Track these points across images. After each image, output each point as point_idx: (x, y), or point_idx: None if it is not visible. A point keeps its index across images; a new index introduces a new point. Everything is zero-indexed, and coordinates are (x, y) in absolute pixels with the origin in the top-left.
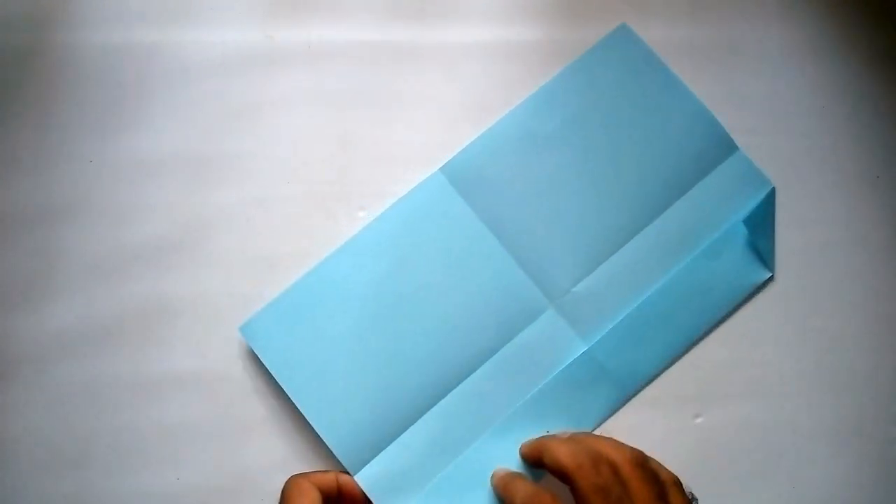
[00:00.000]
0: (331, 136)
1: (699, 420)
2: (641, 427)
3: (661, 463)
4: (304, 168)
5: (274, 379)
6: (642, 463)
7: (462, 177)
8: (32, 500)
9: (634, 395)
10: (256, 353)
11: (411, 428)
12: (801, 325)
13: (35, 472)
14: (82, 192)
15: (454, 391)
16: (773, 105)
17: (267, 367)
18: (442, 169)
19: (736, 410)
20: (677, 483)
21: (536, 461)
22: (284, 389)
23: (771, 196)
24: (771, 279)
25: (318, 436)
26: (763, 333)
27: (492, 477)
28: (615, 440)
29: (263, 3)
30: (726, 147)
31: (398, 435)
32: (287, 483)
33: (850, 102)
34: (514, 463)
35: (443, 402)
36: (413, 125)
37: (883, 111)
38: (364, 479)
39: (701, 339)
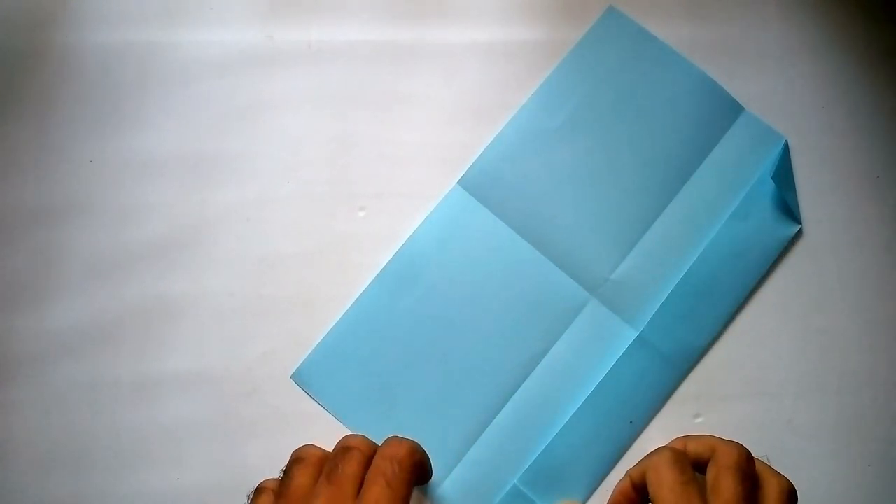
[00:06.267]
0: (331, 136)
1: (699, 420)
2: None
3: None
4: (304, 168)
5: (273, 380)
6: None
7: (481, 186)
8: (32, 500)
9: (690, 371)
10: (313, 397)
11: (476, 443)
12: (802, 325)
13: (35, 472)
14: (82, 192)
15: (512, 400)
16: (774, 105)
17: (327, 409)
18: (460, 182)
19: (736, 410)
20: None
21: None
22: (347, 428)
23: (786, 149)
24: (800, 232)
25: None
26: (763, 333)
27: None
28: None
29: (263, 3)
30: (733, 110)
31: (465, 452)
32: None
33: (850, 102)
34: (583, 462)
35: (503, 412)
36: (413, 125)
37: (883, 111)
38: (439, 502)
39: (745, 303)
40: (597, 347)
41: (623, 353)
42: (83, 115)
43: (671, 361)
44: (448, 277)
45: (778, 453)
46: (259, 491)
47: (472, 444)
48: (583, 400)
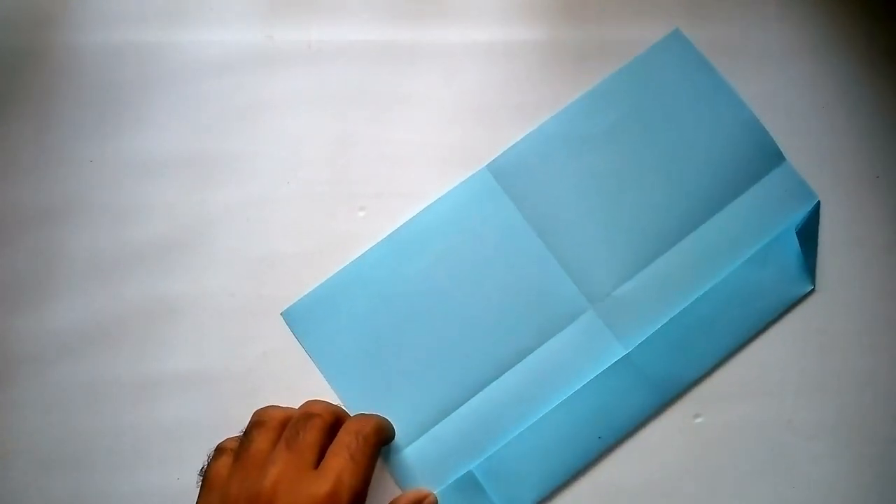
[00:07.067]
0: (331, 136)
1: (699, 420)
2: (641, 426)
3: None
4: (304, 168)
5: (274, 379)
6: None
7: (508, 174)
8: (32, 500)
9: (671, 401)
10: (296, 337)
11: (443, 421)
12: (802, 325)
13: (35, 472)
14: (82, 192)
15: (487, 388)
16: (774, 105)
17: (306, 351)
18: (488, 166)
19: (736, 410)
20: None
21: None
22: (322, 374)
23: (816, 210)
24: (812, 292)
25: None
26: (763, 334)
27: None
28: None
29: (263, 3)
30: (774, 158)
31: (431, 427)
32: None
33: (850, 102)
34: (542, 465)
35: (476, 397)
36: (413, 125)
37: (883, 111)
38: (394, 468)
39: (739, 349)
40: (583, 357)
41: (606, 369)
42: (83, 115)
43: (653, 387)
44: (455, 255)
45: (778, 453)
46: (219, 451)
47: (440, 421)
48: (556, 404)
